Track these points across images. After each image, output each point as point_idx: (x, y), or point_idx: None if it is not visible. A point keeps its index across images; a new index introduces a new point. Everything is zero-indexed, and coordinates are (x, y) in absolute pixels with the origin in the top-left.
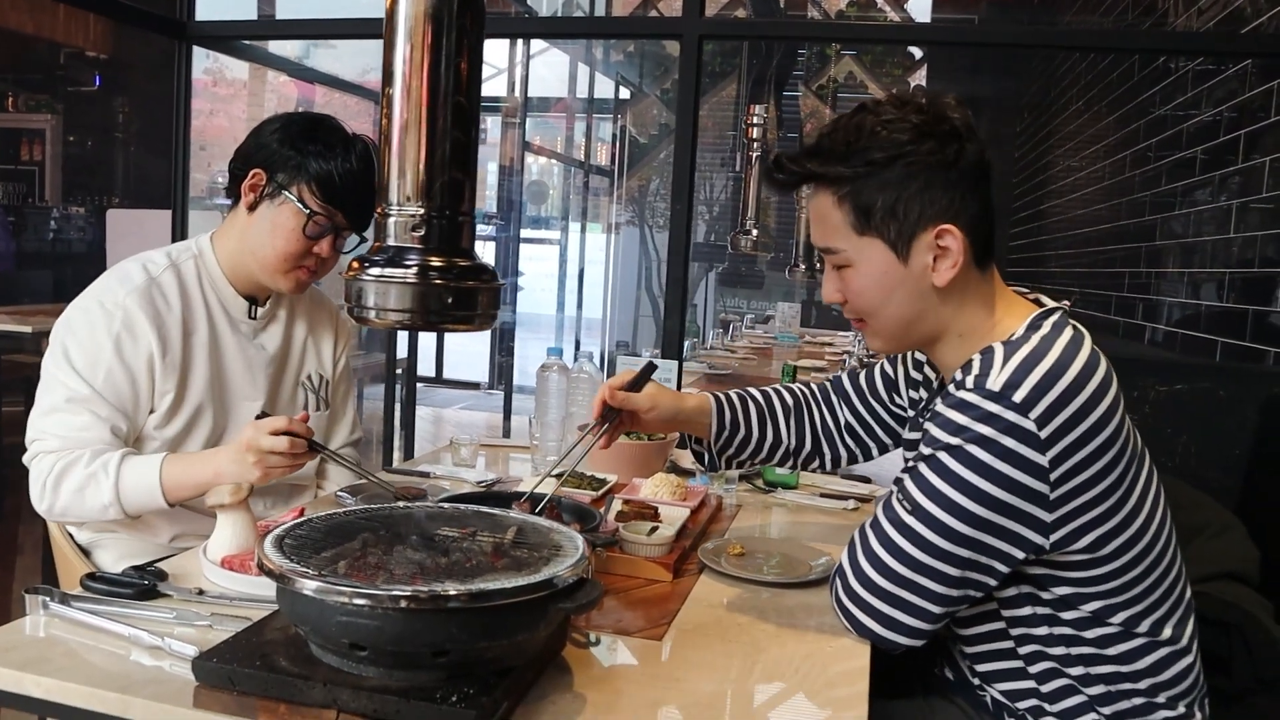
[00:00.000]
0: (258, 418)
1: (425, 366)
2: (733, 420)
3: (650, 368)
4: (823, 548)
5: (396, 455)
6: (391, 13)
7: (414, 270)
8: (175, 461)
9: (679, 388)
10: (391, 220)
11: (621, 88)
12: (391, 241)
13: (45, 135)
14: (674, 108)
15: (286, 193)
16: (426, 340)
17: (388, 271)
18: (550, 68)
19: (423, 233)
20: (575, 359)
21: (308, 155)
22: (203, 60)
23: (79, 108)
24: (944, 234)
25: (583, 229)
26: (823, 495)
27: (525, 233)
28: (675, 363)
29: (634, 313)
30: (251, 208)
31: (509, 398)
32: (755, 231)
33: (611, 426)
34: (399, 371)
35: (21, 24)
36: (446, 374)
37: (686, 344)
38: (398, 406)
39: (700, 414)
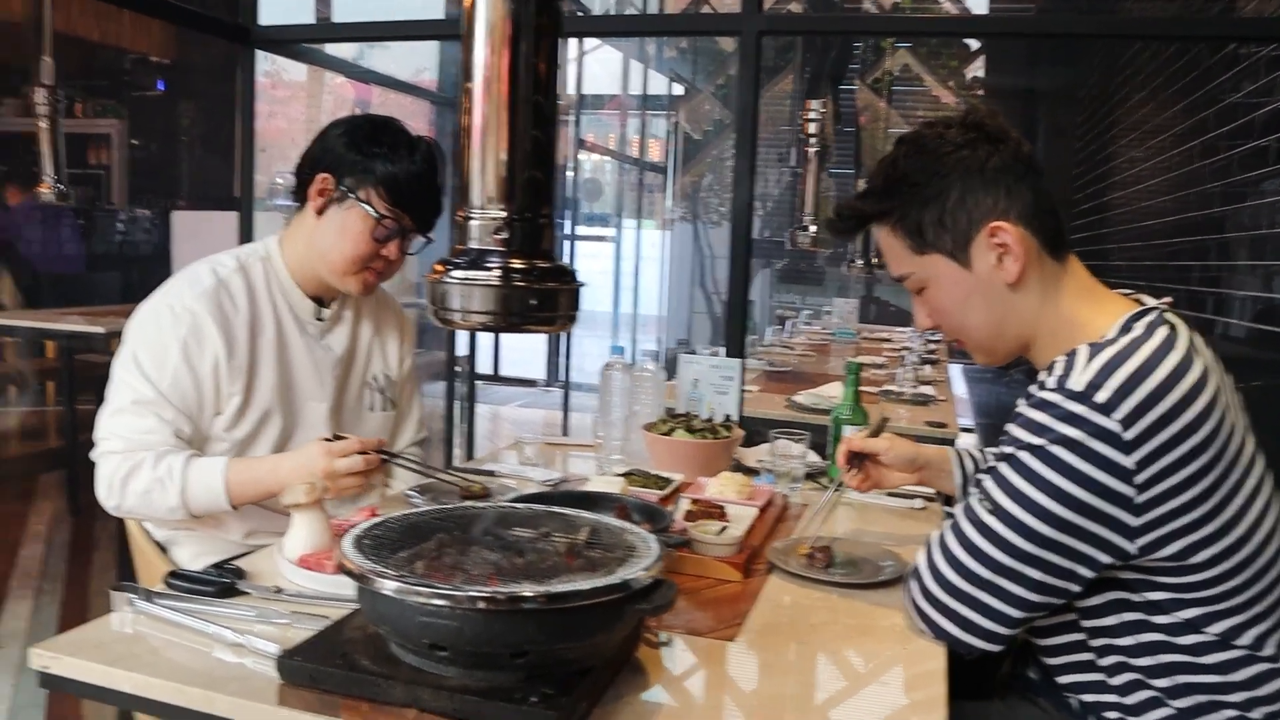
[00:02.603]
0: (328, 439)
1: (483, 364)
2: (975, 471)
3: (884, 420)
4: (891, 548)
5: (457, 453)
6: (471, 16)
7: (497, 273)
8: (240, 469)
9: (742, 386)
10: (474, 223)
11: (675, 84)
12: (474, 244)
13: (111, 140)
14: (728, 103)
15: (354, 196)
16: (484, 338)
17: (471, 274)
18: (603, 64)
19: (505, 235)
20: (636, 358)
21: (374, 159)
22: (261, 63)
23: (144, 112)
24: (996, 230)
25: (637, 226)
26: (889, 494)
27: (580, 230)
28: (739, 361)
29: (689, 309)
30: (320, 211)
31: (567, 395)
32: (814, 227)
33: (859, 470)
34: (458, 369)
35: (88, 31)
36: (504, 371)
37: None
38: (457, 404)
39: (941, 464)
